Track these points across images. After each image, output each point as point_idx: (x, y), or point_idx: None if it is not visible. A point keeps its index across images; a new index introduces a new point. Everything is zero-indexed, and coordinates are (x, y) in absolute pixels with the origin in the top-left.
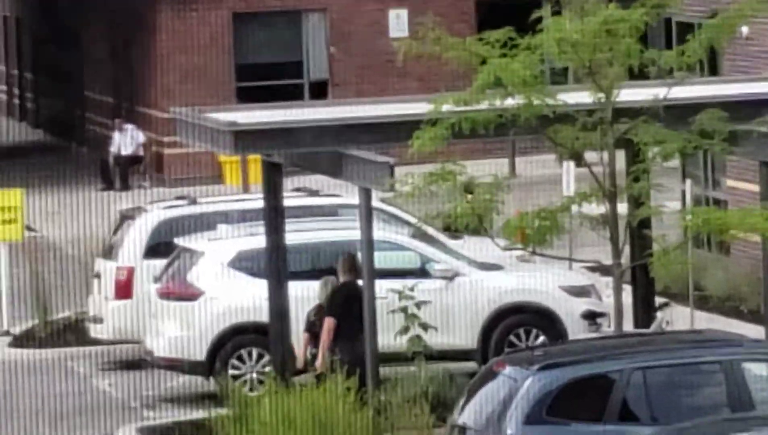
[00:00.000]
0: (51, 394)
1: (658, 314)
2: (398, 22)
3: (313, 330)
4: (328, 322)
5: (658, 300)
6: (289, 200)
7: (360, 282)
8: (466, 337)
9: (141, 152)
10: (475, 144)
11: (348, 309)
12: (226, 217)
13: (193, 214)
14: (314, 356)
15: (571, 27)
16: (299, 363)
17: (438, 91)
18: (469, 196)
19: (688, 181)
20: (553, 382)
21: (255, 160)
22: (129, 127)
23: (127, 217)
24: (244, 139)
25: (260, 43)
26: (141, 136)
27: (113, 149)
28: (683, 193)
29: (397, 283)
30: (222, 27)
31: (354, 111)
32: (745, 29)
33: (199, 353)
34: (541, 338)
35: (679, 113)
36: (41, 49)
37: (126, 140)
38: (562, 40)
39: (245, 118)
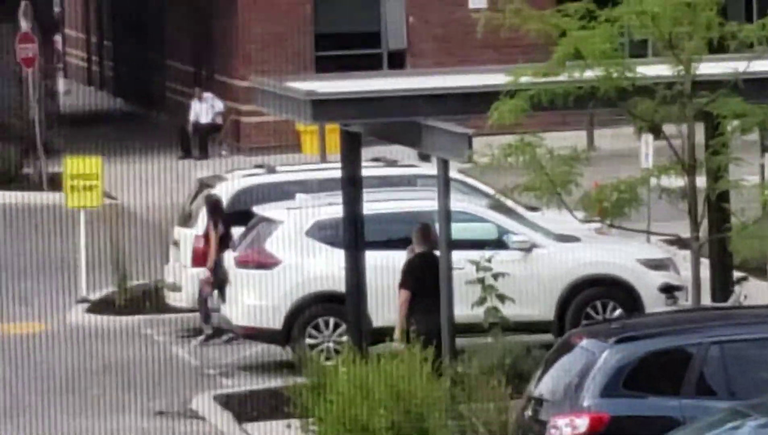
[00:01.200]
0: (128, 361)
1: (736, 288)
2: None
3: None
4: (403, 295)
5: (736, 274)
6: (367, 170)
7: (436, 253)
8: (543, 309)
9: (220, 121)
10: (553, 116)
11: (424, 280)
12: (304, 187)
13: (272, 183)
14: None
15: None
16: (397, 333)
17: (516, 62)
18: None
19: None
20: (630, 355)
21: (333, 130)
22: (208, 95)
23: (205, 185)
24: (323, 108)
25: (339, 12)
26: (220, 105)
27: (192, 118)
28: (762, 167)
29: (474, 255)
30: None
31: (433, 81)
32: None
33: (276, 322)
34: (618, 311)
35: (758, 87)
36: (121, 16)
37: (205, 109)
38: (642, 13)
39: (324, 87)
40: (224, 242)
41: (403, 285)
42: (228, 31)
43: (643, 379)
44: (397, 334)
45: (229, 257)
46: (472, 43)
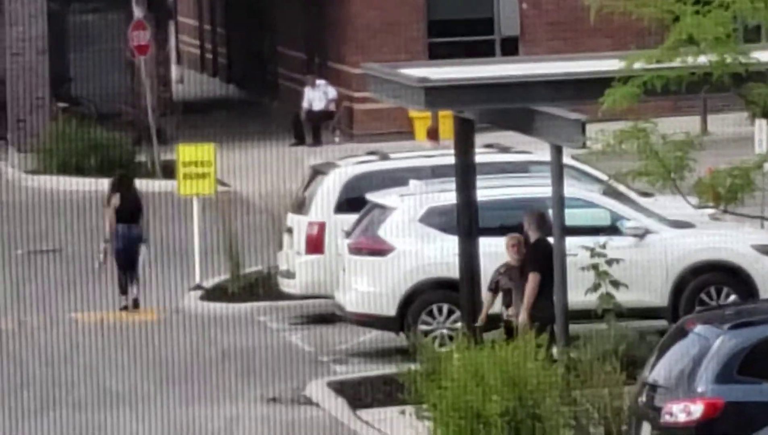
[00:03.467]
0: (242, 347)
1: None
2: None
3: (497, 288)
4: (534, 278)
5: None
6: (480, 156)
7: (550, 239)
8: (657, 295)
9: (333, 108)
10: (666, 102)
11: (541, 265)
12: (417, 173)
13: (385, 170)
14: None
15: None
16: (480, 320)
17: (629, 48)
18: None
19: None
20: (744, 341)
21: (445, 116)
22: (321, 82)
23: (318, 172)
24: (436, 95)
25: None
26: (333, 92)
27: (305, 104)
28: None
29: (587, 241)
30: None
31: (545, 67)
32: None
33: (390, 308)
34: (732, 297)
35: None
36: (234, 4)
37: (318, 95)
38: None
39: (437, 74)
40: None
41: (533, 268)
42: (341, 17)
43: (758, 365)
44: (522, 317)
45: (342, 244)
46: (585, 29)
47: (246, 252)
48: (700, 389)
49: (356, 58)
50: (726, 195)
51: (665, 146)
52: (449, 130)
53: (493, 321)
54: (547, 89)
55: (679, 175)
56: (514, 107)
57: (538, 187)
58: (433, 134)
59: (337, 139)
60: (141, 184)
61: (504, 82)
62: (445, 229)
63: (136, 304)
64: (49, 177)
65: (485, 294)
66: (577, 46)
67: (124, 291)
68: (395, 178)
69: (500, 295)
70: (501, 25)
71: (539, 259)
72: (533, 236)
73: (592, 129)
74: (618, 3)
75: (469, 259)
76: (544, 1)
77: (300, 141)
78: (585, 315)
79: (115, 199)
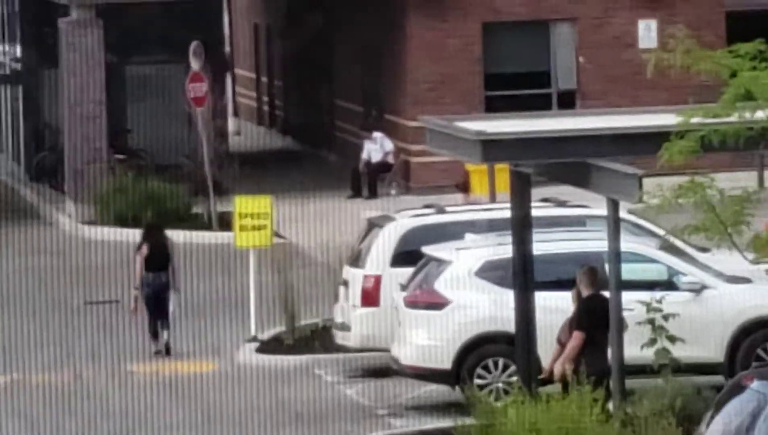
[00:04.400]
0: (297, 400)
1: None
2: (648, 33)
3: (559, 341)
4: (577, 336)
5: None
6: (537, 210)
7: (605, 294)
8: (713, 350)
9: (390, 160)
10: (722, 156)
11: (595, 321)
12: (473, 226)
13: (441, 223)
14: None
15: None
16: (544, 373)
17: (686, 102)
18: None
19: None
20: None
21: (502, 169)
22: (378, 135)
23: (374, 224)
24: (493, 148)
25: (509, 52)
26: (389, 144)
27: (364, 156)
28: None
29: (644, 295)
30: (472, 36)
31: (602, 121)
32: None
33: (446, 362)
34: None
35: None
36: (291, 57)
37: (376, 148)
38: None
39: (493, 127)
40: None
41: (579, 326)
42: (398, 70)
43: None
44: (557, 370)
45: (398, 297)
46: (642, 83)
47: (302, 304)
48: None
49: (413, 111)
50: None
51: (722, 201)
52: (505, 183)
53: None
54: (604, 143)
55: (736, 230)
56: (570, 161)
57: (595, 242)
58: (462, 187)
59: (393, 192)
60: (198, 236)
61: (561, 136)
62: (501, 282)
63: (167, 351)
64: (105, 228)
65: (556, 346)
66: (634, 100)
67: (155, 336)
68: (451, 232)
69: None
70: (558, 79)
71: (587, 317)
72: (585, 292)
73: (649, 183)
74: (675, 58)
75: (525, 313)
76: (601, 55)
77: (357, 193)
78: (641, 370)
79: (145, 248)
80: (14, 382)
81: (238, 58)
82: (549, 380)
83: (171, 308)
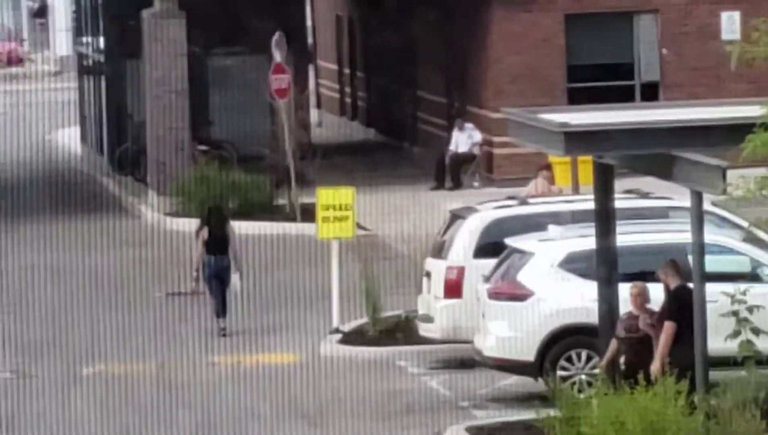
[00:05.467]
0: (380, 392)
1: None
2: (731, 25)
3: (622, 336)
4: (670, 327)
5: None
6: (620, 202)
7: (689, 285)
8: None
9: (477, 151)
10: None
11: (685, 312)
12: (556, 218)
13: (524, 215)
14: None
15: None
16: (601, 366)
17: None
18: None
19: None
20: None
21: (585, 161)
22: (469, 126)
23: (457, 216)
24: (576, 140)
25: (592, 44)
26: (478, 136)
27: (452, 147)
28: None
29: (727, 287)
30: (555, 28)
31: (686, 113)
32: None
33: (529, 354)
34: None
35: None
36: (373, 48)
37: (464, 139)
38: None
39: (577, 119)
40: None
41: (670, 317)
42: (480, 62)
43: None
44: (656, 366)
45: (481, 289)
46: (726, 74)
47: (385, 296)
48: None
49: (496, 103)
50: None
51: None
52: (588, 175)
53: (634, 368)
54: (687, 135)
55: None
56: (654, 153)
57: (678, 234)
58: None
59: (476, 184)
60: (281, 228)
61: (644, 127)
62: (585, 274)
63: (224, 333)
64: (188, 220)
65: (613, 341)
66: (718, 91)
67: (219, 314)
68: (534, 223)
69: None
70: (641, 71)
71: (678, 308)
72: (673, 283)
73: (732, 175)
74: (759, 49)
75: (608, 304)
76: (684, 46)
77: (440, 185)
78: (725, 362)
79: (204, 232)
80: (99, 373)
81: (321, 50)
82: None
83: (232, 291)
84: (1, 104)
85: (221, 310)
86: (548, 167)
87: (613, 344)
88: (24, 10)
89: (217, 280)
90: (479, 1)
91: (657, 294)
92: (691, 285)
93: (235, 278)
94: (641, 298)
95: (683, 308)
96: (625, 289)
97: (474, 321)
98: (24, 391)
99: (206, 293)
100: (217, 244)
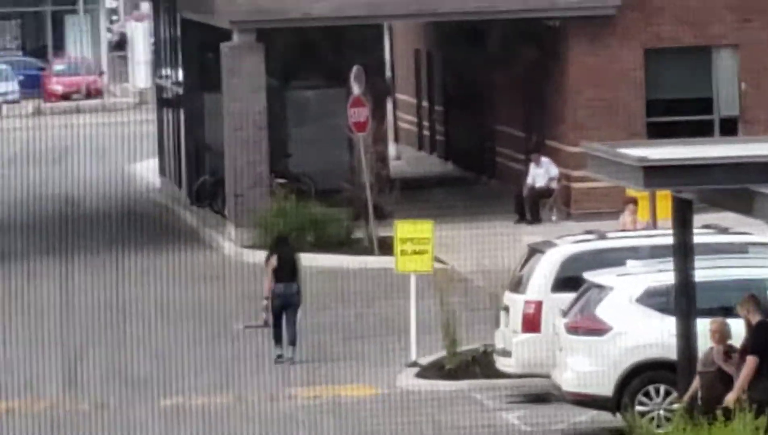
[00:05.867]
0: (457, 426)
1: None
2: None
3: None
4: (752, 361)
5: None
6: (699, 237)
7: None
8: None
9: (554, 186)
10: None
11: (764, 348)
12: (635, 253)
13: (602, 249)
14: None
15: None
16: (683, 401)
17: None
18: None
19: None
20: None
21: (664, 196)
22: (545, 160)
23: (536, 250)
24: (655, 174)
25: (671, 78)
26: (555, 170)
27: (529, 181)
28: None
29: None
30: (634, 62)
31: (765, 148)
32: None
33: (607, 388)
34: None
35: None
36: (452, 81)
37: (541, 173)
38: None
39: (656, 153)
40: None
41: (753, 351)
42: (559, 96)
43: None
44: (731, 397)
45: (559, 323)
46: None
47: (462, 329)
48: None
49: (574, 137)
50: None
51: None
52: (666, 210)
53: (708, 403)
54: (766, 170)
55: None
56: (733, 188)
57: (757, 269)
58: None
59: (554, 218)
60: (359, 261)
61: (724, 162)
62: (663, 309)
63: (292, 362)
64: (265, 253)
65: (696, 377)
66: None
67: (278, 341)
68: (613, 258)
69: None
70: (720, 105)
71: (761, 342)
72: (754, 318)
73: None
74: None
75: (686, 340)
76: (764, 81)
77: (522, 218)
78: None
79: (274, 260)
80: (177, 405)
81: (399, 83)
82: (710, 409)
83: (298, 321)
84: (81, 136)
85: (291, 337)
86: (634, 201)
87: (696, 379)
88: (103, 43)
89: (285, 310)
90: (558, 34)
91: (736, 329)
92: None
93: (300, 311)
94: (719, 334)
95: (766, 343)
96: (703, 324)
97: (551, 355)
98: (102, 422)
99: (270, 319)
100: (286, 272)
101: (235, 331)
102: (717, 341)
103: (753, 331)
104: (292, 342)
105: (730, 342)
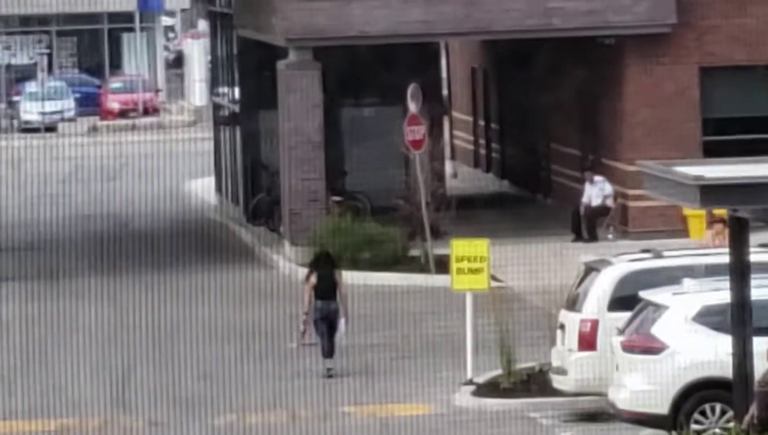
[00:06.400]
0: None
1: None
2: None
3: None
4: None
5: None
6: (755, 256)
7: None
8: None
9: (610, 204)
10: None
11: None
12: (691, 271)
13: (658, 268)
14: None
15: None
16: (745, 422)
17: None
18: None
19: None
20: None
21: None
22: (599, 179)
23: (592, 268)
24: (711, 193)
25: (726, 97)
26: (609, 188)
27: (585, 200)
28: None
29: None
30: (689, 81)
31: None
32: None
33: (663, 407)
34: None
35: None
36: (507, 100)
37: (596, 192)
38: None
39: (712, 172)
40: None
41: None
42: (614, 115)
43: None
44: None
45: (615, 341)
46: None
47: (518, 348)
48: None
49: (630, 156)
50: None
51: None
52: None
53: (766, 423)
54: None
55: None
56: None
57: None
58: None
59: (610, 236)
60: (415, 279)
61: None
62: (719, 328)
63: (329, 375)
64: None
65: (756, 394)
66: None
67: (326, 355)
68: (669, 276)
69: None
70: None
71: None
72: None
73: None
74: None
75: (742, 358)
76: None
77: (578, 237)
78: None
79: (313, 277)
80: (231, 423)
81: (455, 101)
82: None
83: (339, 334)
84: (137, 154)
85: (329, 352)
86: (721, 221)
87: (755, 399)
88: (160, 60)
89: (326, 324)
90: (613, 53)
91: None
92: None
93: (341, 323)
94: None
95: None
96: (759, 343)
97: (608, 374)
98: None
99: (312, 335)
100: (326, 288)
101: (288, 350)
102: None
103: None
104: (330, 355)
105: None
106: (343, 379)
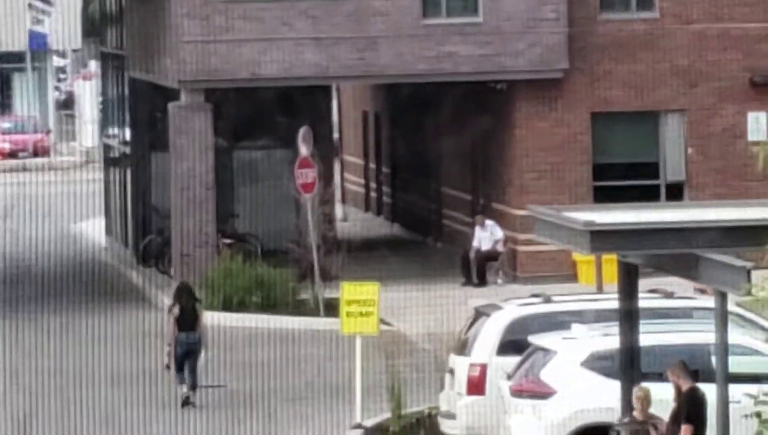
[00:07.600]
0: None
1: None
2: (757, 126)
3: None
4: (686, 430)
5: None
6: (644, 301)
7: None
8: None
9: (500, 248)
10: None
11: (701, 414)
12: (580, 317)
13: (547, 313)
14: None
15: None
16: None
17: None
18: None
19: None
20: None
21: (609, 260)
22: (489, 223)
23: (481, 313)
24: (601, 239)
25: (617, 142)
26: (499, 233)
27: (475, 244)
28: None
29: (751, 388)
30: (580, 126)
31: (711, 214)
32: None
33: None
34: None
35: None
36: (399, 143)
37: (486, 236)
38: None
39: (602, 218)
40: None
41: (687, 419)
42: (505, 159)
43: None
44: None
45: (504, 386)
46: (752, 175)
47: (408, 392)
48: None
49: (521, 200)
50: None
51: None
52: (612, 274)
53: None
54: (712, 235)
55: None
56: (679, 252)
57: (702, 334)
58: None
59: (500, 281)
60: (304, 322)
61: (669, 227)
62: (608, 373)
63: (186, 402)
64: (212, 313)
65: None
66: (743, 192)
67: (183, 382)
68: (558, 322)
69: None
70: (666, 170)
71: (693, 409)
72: (685, 385)
73: (757, 276)
74: None
75: (630, 404)
76: (710, 146)
77: (468, 281)
78: None
79: (176, 310)
80: None
81: (346, 145)
82: None
83: (199, 367)
84: (27, 195)
85: (191, 382)
86: None
87: None
88: (51, 101)
89: (187, 357)
90: (505, 97)
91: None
92: (702, 386)
93: (202, 355)
94: (647, 401)
95: (698, 409)
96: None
97: (497, 418)
98: None
99: (173, 367)
100: (188, 321)
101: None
102: (642, 410)
103: (684, 398)
104: (193, 387)
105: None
106: (231, 424)
